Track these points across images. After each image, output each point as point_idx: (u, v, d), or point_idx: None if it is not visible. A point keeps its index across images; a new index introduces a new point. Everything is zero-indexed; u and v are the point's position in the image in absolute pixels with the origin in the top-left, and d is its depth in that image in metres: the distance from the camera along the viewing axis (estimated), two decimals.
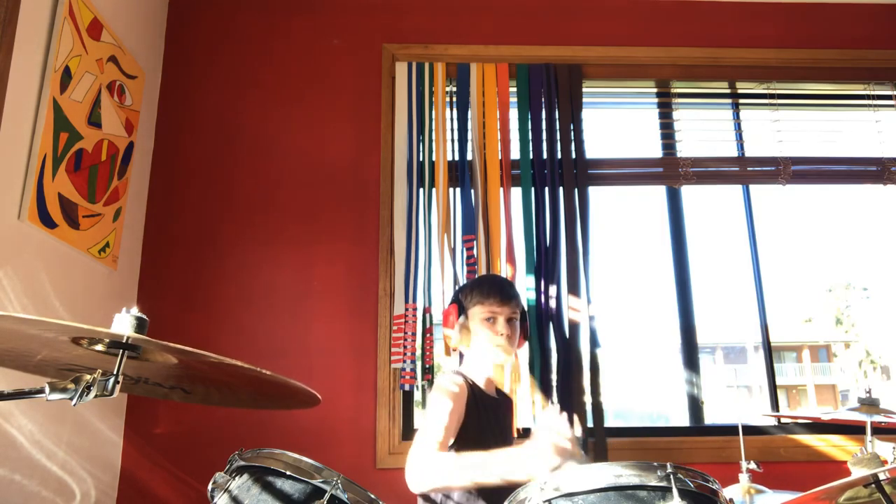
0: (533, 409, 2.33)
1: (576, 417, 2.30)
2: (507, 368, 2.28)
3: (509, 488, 1.22)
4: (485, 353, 1.82)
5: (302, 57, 2.69)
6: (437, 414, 1.63)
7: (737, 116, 2.83)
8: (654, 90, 2.82)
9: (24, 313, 1.74)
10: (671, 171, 2.67)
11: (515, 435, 2.32)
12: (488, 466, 1.49)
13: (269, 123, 2.61)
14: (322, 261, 2.48)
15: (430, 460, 1.52)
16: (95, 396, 0.94)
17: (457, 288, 1.99)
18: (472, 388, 1.77)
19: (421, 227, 2.51)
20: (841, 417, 1.65)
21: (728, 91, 2.84)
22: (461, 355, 1.96)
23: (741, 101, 2.84)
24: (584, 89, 2.69)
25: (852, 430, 2.39)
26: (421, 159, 2.56)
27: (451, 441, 1.66)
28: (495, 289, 1.85)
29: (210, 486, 1.16)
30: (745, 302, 2.61)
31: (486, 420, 1.77)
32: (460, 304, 1.84)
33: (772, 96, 2.79)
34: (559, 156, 2.56)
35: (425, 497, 1.70)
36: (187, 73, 2.66)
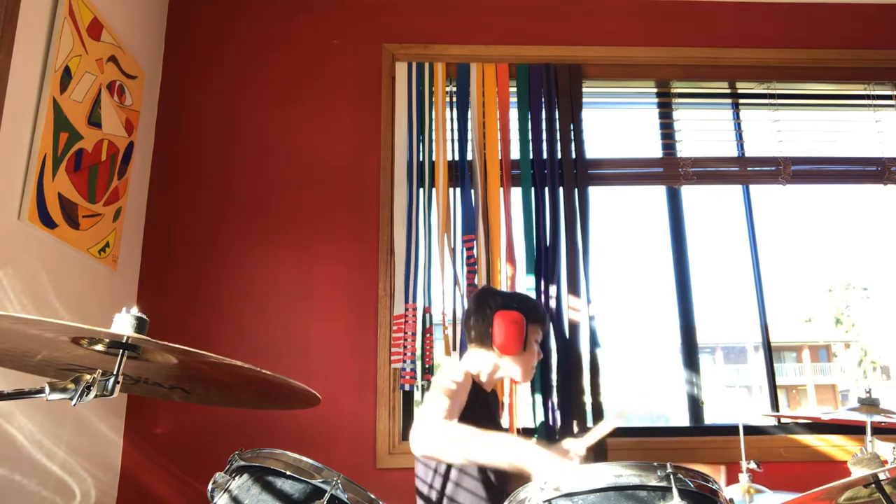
0: (533, 409, 2.33)
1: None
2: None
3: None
4: (519, 368, 1.84)
5: (302, 57, 2.69)
6: (445, 388, 1.67)
7: (737, 116, 2.83)
8: (654, 90, 2.82)
9: (24, 313, 1.74)
10: (671, 171, 2.67)
11: (515, 434, 2.33)
12: (491, 443, 1.51)
13: (269, 123, 2.62)
14: (322, 261, 2.48)
15: (440, 426, 1.54)
16: (95, 396, 0.94)
17: (506, 297, 1.87)
18: (475, 382, 1.81)
19: (421, 227, 2.51)
20: (841, 417, 1.65)
21: (728, 91, 2.84)
22: (462, 351, 1.97)
23: (741, 101, 2.84)
24: (584, 89, 2.69)
25: (852, 430, 2.39)
26: (421, 159, 2.56)
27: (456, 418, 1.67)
28: (546, 317, 1.95)
29: (210, 486, 1.16)
30: (745, 302, 2.60)
31: (482, 413, 1.80)
32: (527, 316, 1.81)
33: (772, 96, 2.79)
34: (559, 156, 2.56)
35: (421, 496, 1.71)
36: (187, 73, 2.66)
